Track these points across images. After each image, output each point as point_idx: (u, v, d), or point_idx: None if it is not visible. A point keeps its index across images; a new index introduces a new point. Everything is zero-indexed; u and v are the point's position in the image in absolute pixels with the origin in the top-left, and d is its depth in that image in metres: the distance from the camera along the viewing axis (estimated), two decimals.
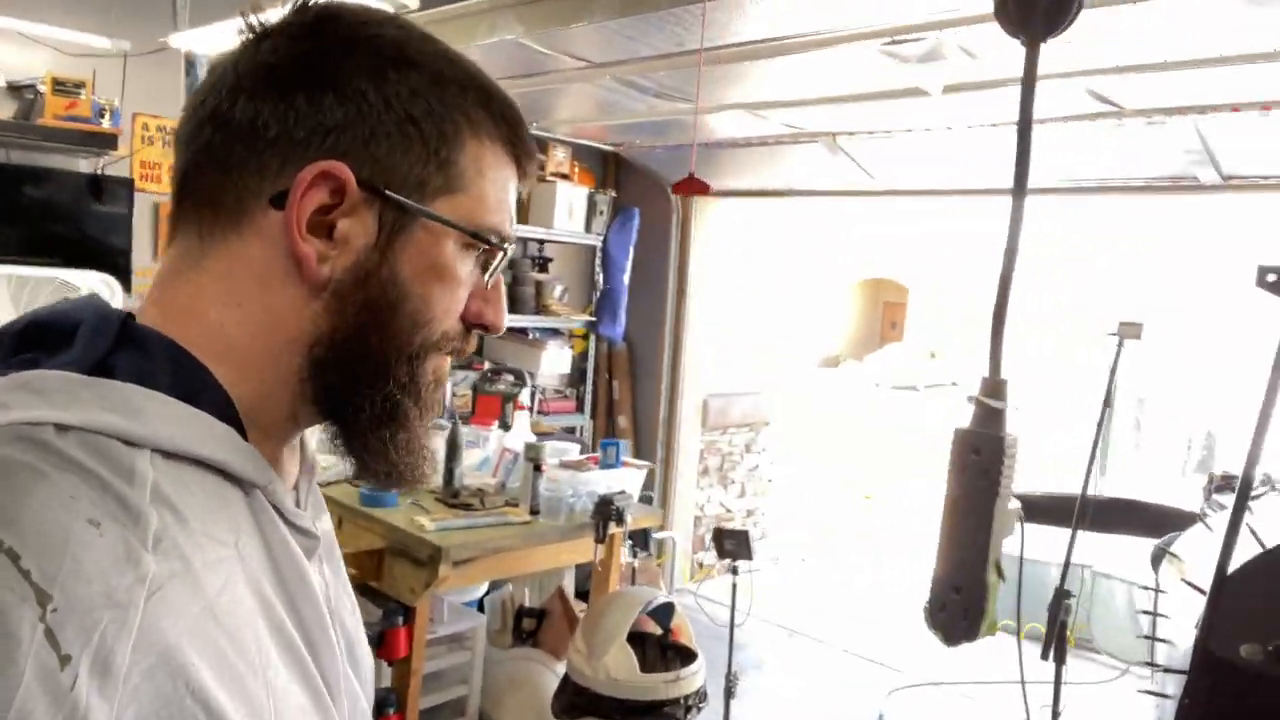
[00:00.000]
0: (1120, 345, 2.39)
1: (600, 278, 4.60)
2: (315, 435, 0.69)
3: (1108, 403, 2.40)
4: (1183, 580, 1.74)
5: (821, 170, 3.90)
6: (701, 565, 5.20)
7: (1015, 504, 1.02)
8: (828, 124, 3.51)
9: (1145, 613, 1.89)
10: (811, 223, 5.94)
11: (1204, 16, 2.13)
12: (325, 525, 0.69)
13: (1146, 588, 2.07)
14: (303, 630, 0.58)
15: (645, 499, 4.68)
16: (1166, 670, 1.60)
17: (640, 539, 3.52)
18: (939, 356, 19.13)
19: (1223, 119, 2.86)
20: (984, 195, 3.71)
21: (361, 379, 0.60)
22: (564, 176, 4.37)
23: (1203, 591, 1.58)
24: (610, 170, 4.73)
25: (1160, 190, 3.22)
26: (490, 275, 0.64)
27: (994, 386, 1.16)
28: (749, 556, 2.82)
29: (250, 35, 0.60)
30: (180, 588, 0.49)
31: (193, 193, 0.59)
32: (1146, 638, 1.85)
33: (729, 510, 5.48)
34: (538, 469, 2.83)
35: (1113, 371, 2.39)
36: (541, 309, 4.40)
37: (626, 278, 4.54)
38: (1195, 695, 1.54)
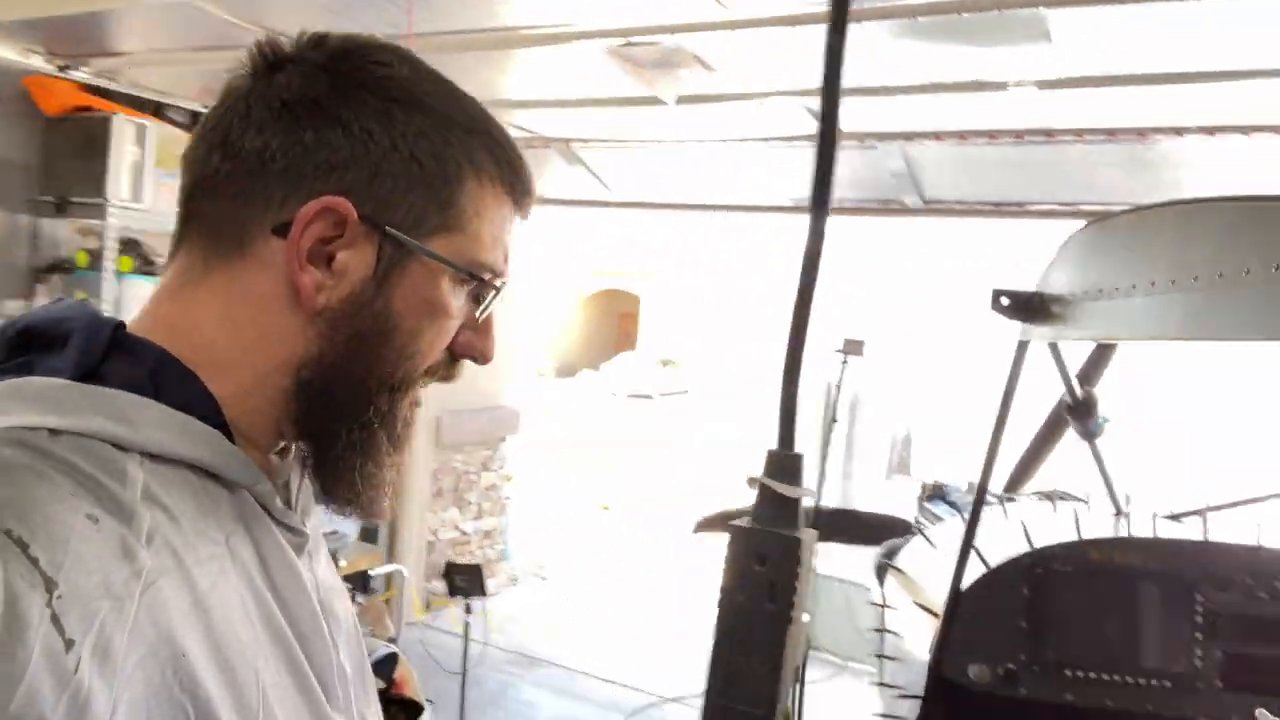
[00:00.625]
0: (845, 362, 2.44)
1: None
2: None
3: (834, 418, 2.43)
4: (916, 603, 1.74)
5: (556, 179, 3.75)
6: (433, 596, 4.87)
7: (806, 618, 0.82)
8: (563, 130, 3.37)
9: (878, 630, 1.90)
10: (541, 233, 5.81)
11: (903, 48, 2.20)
12: (314, 523, 0.70)
13: (874, 603, 2.08)
14: (293, 623, 0.60)
15: (368, 533, 4.28)
16: (901, 695, 1.58)
17: (359, 581, 3.17)
18: (672, 364, 19.94)
19: (926, 145, 3.03)
20: (724, 211, 3.74)
21: (343, 405, 0.62)
22: None
23: (935, 614, 1.57)
24: None
25: (871, 212, 3.39)
26: (484, 310, 0.67)
27: (785, 463, 0.88)
28: (482, 593, 2.60)
29: (263, 63, 0.61)
30: (172, 582, 0.51)
31: (197, 215, 0.62)
32: (879, 656, 1.86)
33: (464, 533, 5.19)
34: None
35: (839, 387, 2.43)
36: None
37: None
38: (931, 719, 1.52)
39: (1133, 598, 1.49)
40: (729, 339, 14.98)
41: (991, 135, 2.85)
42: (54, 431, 0.52)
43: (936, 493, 2.60)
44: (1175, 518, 1.83)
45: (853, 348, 2.38)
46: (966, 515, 2.32)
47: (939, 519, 2.46)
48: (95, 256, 3.35)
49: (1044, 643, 1.48)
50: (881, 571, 2.25)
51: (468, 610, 2.63)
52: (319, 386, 0.61)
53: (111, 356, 0.58)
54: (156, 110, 3.58)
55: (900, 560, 1.95)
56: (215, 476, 0.58)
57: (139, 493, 0.52)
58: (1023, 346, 1.45)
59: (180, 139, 3.52)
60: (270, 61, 0.61)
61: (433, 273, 0.62)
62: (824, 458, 2.42)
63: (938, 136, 2.95)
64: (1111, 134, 2.65)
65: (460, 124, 0.63)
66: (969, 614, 1.52)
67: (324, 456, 0.63)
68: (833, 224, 0.99)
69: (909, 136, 3.00)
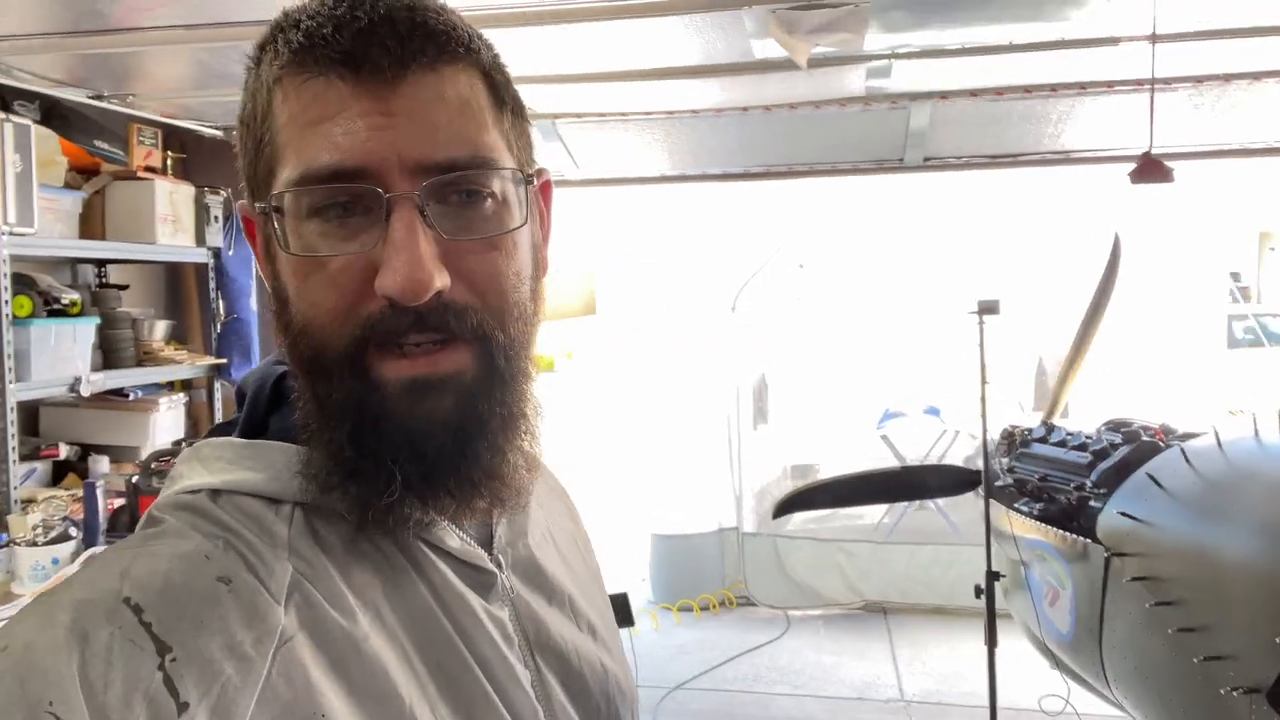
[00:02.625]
0: (981, 322, 2.46)
1: (220, 306, 3.47)
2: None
3: (985, 379, 2.46)
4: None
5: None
6: None
7: None
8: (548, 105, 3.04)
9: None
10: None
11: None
12: (524, 552, 0.66)
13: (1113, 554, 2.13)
14: (467, 669, 0.56)
15: None
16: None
17: None
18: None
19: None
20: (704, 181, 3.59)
21: (310, 415, 0.57)
22: (158, 171, 3.16)
23: None
24: (198, 158, 3.55)
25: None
26: (300, 219, 0.54)
27: None
28: (629, 622, 2.35)
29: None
30: (312, 639, 0.50)
31: None
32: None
33: None
34: None
35: (980, 347, 2.45)
36: (144, 358, 3.16)
37: (254, 302, 3.49)
38: None
39: None
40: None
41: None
42: (215, 492, 0.55)
43: (1022, 439, 2.70)
44: None
45: (988, 307, 2.41)
46: (1092, 452, 2.46)
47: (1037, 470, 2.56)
48: None
49: None
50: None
51: None
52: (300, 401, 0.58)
53: (275, 409, 0.60)
54: (2, 105, 2.75)
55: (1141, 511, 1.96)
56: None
57: (283, 547, 0.53)
58: None
59: (51, 140, 2.74)
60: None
61: (277, 222, 0.55)
62: (984, 418, 2.44)
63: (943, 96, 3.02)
64: None
65: (264, 44, 0.56)
66: None
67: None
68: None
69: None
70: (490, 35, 0.60)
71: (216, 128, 3.32)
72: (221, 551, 0.51)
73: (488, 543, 0.63)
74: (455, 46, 0.55)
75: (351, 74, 0.51)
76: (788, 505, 2.81)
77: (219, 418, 3.57)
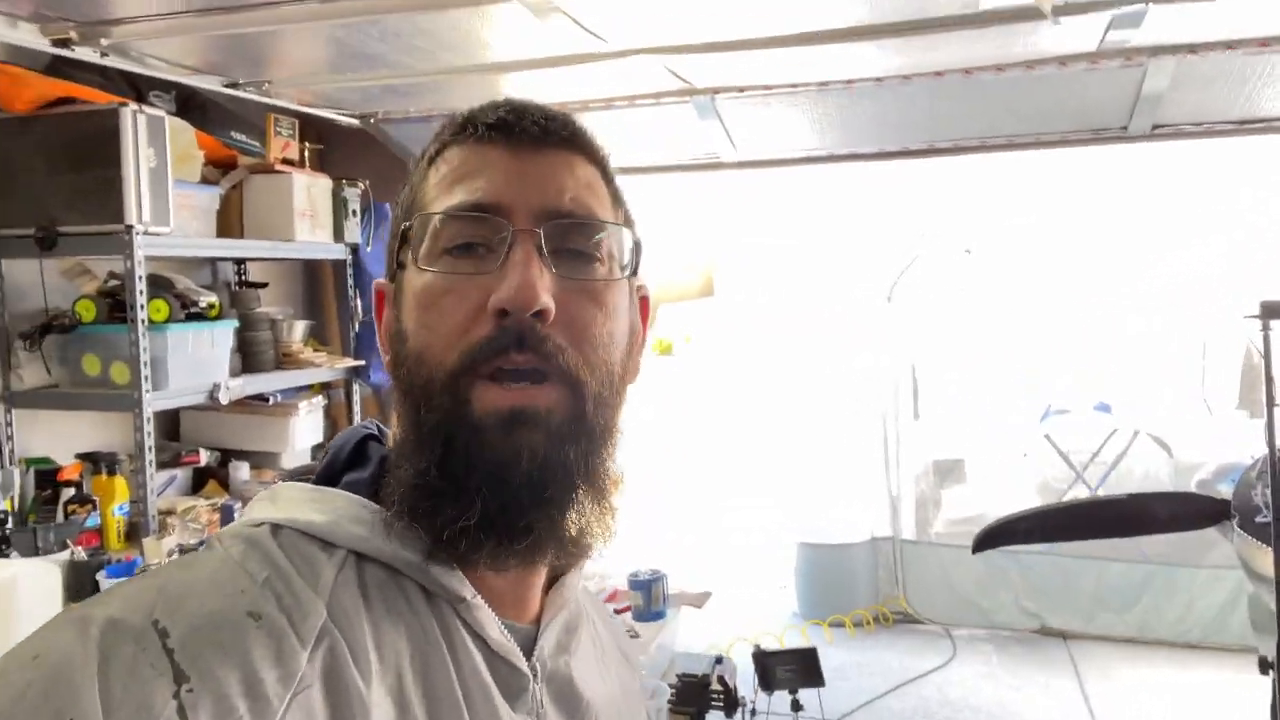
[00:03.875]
0: (1266, 328, 2.00)
1: (357, 304, 3.30)
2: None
3: (1272, 397, 2.00)
4: None
5: (684, 138, 3.08)
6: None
7: None
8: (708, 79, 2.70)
9: None
10: None
11: None
12: (564, 669, 0.66)
13: None
14: None
15: None
16: None
17: None
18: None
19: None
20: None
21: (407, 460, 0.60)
22: (295, 164, 2.99)
23: None
24: (339, 151, 3.39)
25: None
26: (424, 244, 0.61)
27: None
28: (819, 682, 2.00)
29: None
30: (325, 691, 0.51)
31: None
32: None
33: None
34: None
35: (1265, 355, 1.99)
36: (283, 360, 3.01)
37: None
38: None
39: None
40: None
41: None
42: (276, 527, 0.57)
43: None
44: None
45: (1273, 311, 1.95)
46: None
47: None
48: (112, 305, 2.42)
49: None
50: None
51: (796, 708, 2.01)
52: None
53: (353, 465, 0.63)
54: (138, 96, 2.62)
55: None
56: (420, 584, 0.58)
57: (325, 591, 0.54)
58: None
59: (187, 133, 2.59)
60: None
61: (408, 264, 0.61)
62: (1271, 432, 1.99)
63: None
64: None
65: (434, 137, 0.65)
66: None
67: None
68: None
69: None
70: None
71: (354, 116, 3.13)
72: (259, 588, 0.52)
73: (529, 647, 0.63)
74: (588, 144, 0.64)
75: (500, 139, 0.61)
76: (990, 538, 2.41)
77: (357, 420, 3.42)
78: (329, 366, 3.12)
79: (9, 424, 2.43)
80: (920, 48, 2.34)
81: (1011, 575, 4.55)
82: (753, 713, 2.26)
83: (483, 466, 0.56)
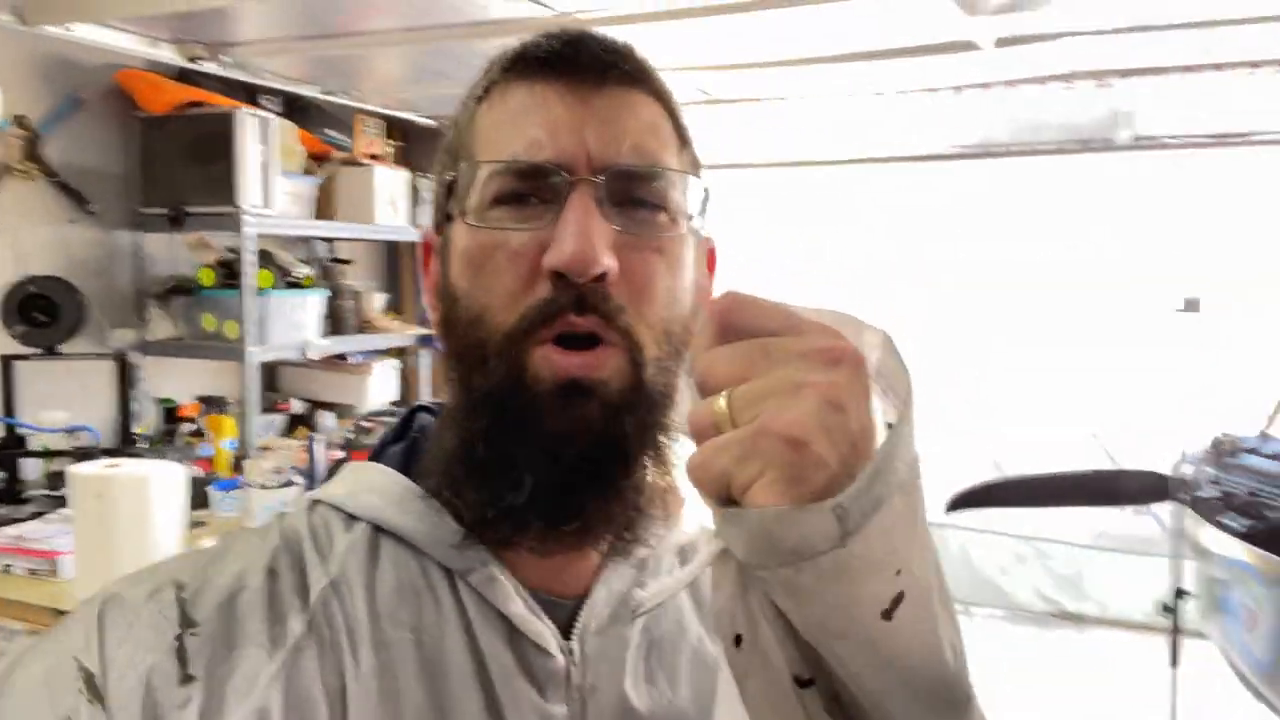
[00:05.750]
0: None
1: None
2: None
3: None
4: None
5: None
6: None
7: None
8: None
9: None
10: None
11: None
12: (617, 639, 0.57)
13: None
14: None
15: None
16: None
17: None
18: None
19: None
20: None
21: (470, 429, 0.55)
22: (379, 158, 3.49)
23: None
24: (419, 145, 3.88)
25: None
26: (479, 196, 0.55)
27: None
28: None
29: None
30: (323, 658, 0.51)
31: None
32: None
33: None
34: None
35: None
36: (363, 326, 3.51)
37: None
38: None
39: None
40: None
41: None
42: (315, 502, 0.58)
43: (1233, 448, 2.47)
44: None
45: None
46: None
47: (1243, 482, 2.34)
48: (226, 273, 2.94)
49: None
50: None
51: None
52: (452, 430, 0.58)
53: (398, 439, 0.62)
54: (251, 100, 3.14)
55: None
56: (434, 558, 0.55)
57: (333, 561, 0.54)
58: None
59: (291, 131, 3.09)
60: None
61: (457, 219, 0.56)
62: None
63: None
64: None
65: (482, 73, 0.59)
66: None
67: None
68: None
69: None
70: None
71: (429, 118, 3.62)
72: (271, 556, 0.54)
73: (569, 623, 0.56)
74: (652, 79, 0.57)
75: (555, 76, 0.54)
76: (964, 500, 2.73)
77: (425, 381, 3.92)
78: (401, 333, 3.62)
79: (142, 368, 2.98)
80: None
81: (1033, 562, 4.78)
82: None
83: (536, 440, 0.51)
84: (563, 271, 0.50)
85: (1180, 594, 2.32)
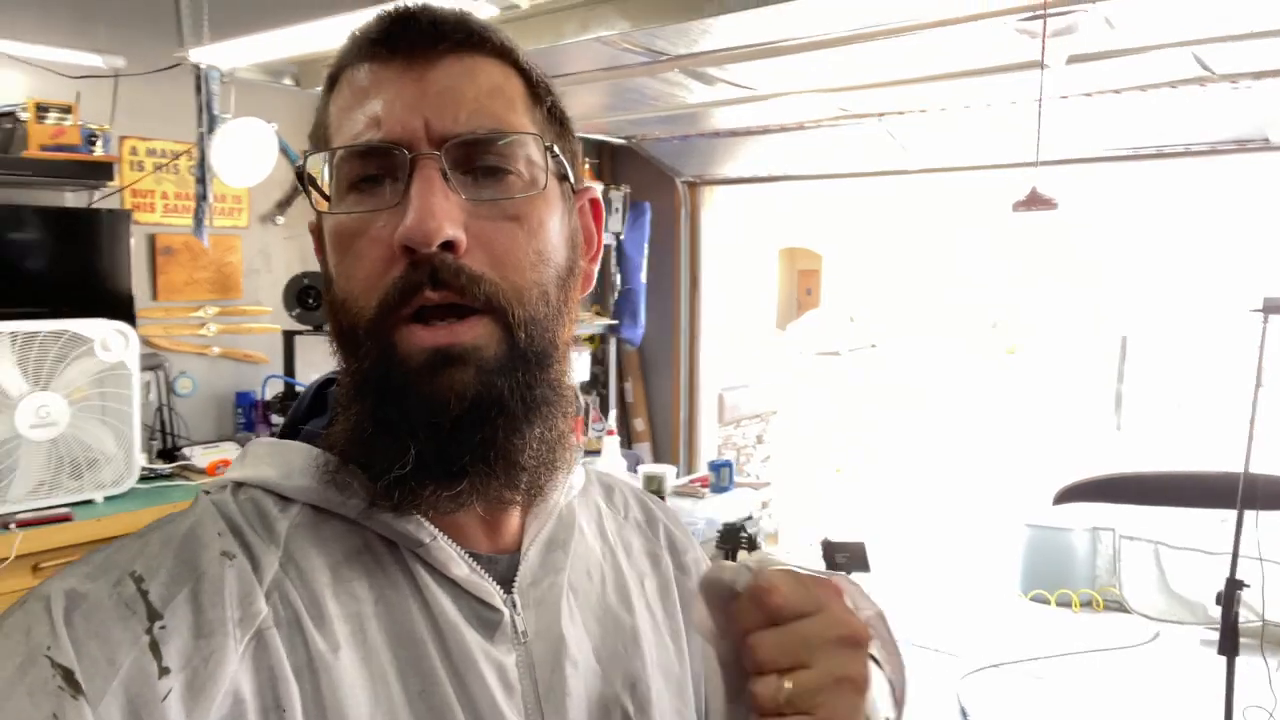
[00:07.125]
0: (1266, 321, 2.32)
1: (617, 278, 4.36)
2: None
3: (1260, 381, 2.34)
4: None
5: (866, 151, 3.77)
6: None
7: None
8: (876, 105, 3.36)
9: None
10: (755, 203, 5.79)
11: None
12: (553, 592, 0.61)
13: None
14: (449, 708, 0.54)
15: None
16: None
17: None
18: (857, 320, 19.44)
19: None
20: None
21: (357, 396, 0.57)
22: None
23: None
24: (608, 163, 4.47)
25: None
26: (326, 179, 0.57)
27: None
28: (866, 568, 2.66)
29: None
30: (286, 638, 0.51)
31: None
32: None
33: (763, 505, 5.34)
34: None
35: (1261, 348, 2.33)
36: None
37: (643, 276, 4.31)
38: None
39: None
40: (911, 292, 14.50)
41: None
42: (238, 484, 0.58)
43: None
44: None
45: (1275, 305, 2.27)
46: None
47: None
48: None
49: None
50: None
51: None
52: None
53: (314, 414, 0.62)
54: None
55: None
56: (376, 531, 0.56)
57: (277, 545, 0.54)
58: None
59: None
60: None
61: (314, 196, 0.58)
62: (1252, 423, 2.34)
63: None
64: None
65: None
66: None
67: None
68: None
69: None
70: None
71: (622, 138, 4.19)
72: (230, 537, 0.54)
73: (512, 576, 0.60)
74: (487, 40, 0.57)
75: (390, 54, 0.55)
76: (1071, 493, 2.84)
77: (612, 364, 4.50)
78: (592, 322, 4.21)
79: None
80: None
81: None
82: None
83: (413, 411, 0.53)
84: (407, 244, 0.52)
85: (1239, 584, 2.35)
